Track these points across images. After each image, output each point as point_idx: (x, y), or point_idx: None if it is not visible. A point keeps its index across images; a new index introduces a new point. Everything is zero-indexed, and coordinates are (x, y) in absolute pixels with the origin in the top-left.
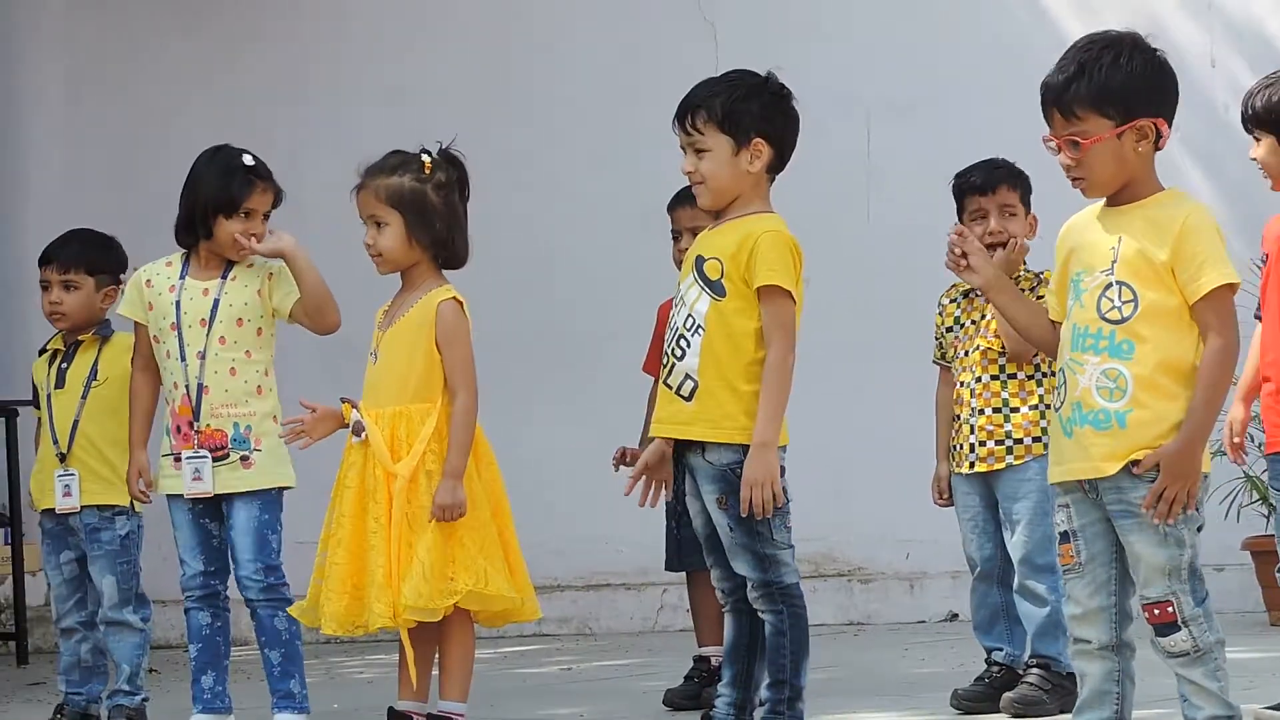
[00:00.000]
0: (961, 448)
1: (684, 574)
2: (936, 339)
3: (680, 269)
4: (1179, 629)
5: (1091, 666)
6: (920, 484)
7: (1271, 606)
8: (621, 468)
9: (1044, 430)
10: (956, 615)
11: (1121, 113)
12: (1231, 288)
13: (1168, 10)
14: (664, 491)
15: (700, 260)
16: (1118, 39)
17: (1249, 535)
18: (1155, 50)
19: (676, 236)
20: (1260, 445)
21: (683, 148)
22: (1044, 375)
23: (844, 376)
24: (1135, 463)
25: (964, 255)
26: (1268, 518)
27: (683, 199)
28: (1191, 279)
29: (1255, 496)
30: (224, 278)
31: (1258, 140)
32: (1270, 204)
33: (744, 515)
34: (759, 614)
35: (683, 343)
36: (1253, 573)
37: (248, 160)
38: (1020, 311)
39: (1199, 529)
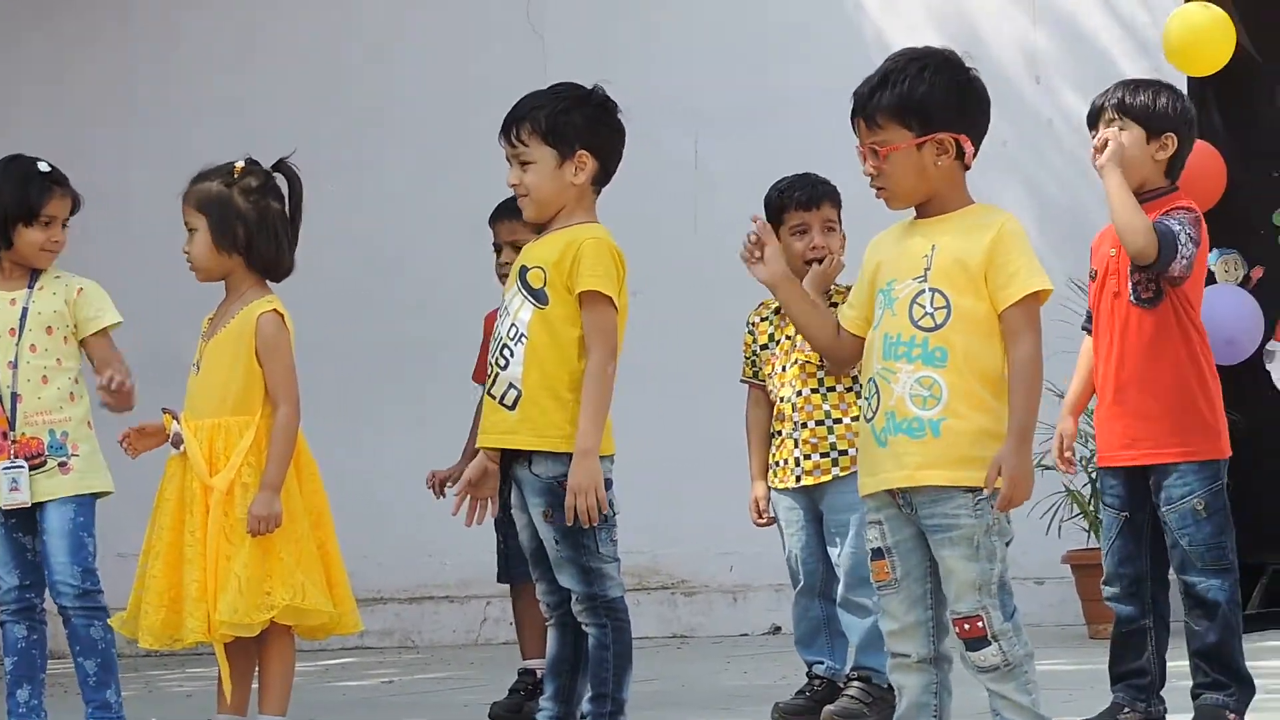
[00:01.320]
0: (786, 463)
1: (508, 586)
2: (747, 358)
3: (502, 282)
4: (989, 644)
5: (909, 679)
6: (743, 495)
7: (1091, 620)
8: (449, 487)
9: None
10: (779, 628)
11: (920, 124)
12: (1042, 295)
13: (991, 28)
14: (490, 508)
15: (524, 270)
16: (928, 54)
17: (1070, 549)
18: (968, 69)
19: (497, 250)
20: (1082, 459)
21: (508, 159)
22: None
23: (670, 388)
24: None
25: (759, 246)
26: (1088, 532)
27: (502, 212)
28: (1004, 285)
29: (1075, 511)
30: (30, 287)
31: (1120, 128)
32: (1090, 219)
33: (570, 524)
34: (583, 627)
35: (506, 352)
36: (1073, 586)
37: (43, 167)
38: (807, 313)
39: (1008, 543)
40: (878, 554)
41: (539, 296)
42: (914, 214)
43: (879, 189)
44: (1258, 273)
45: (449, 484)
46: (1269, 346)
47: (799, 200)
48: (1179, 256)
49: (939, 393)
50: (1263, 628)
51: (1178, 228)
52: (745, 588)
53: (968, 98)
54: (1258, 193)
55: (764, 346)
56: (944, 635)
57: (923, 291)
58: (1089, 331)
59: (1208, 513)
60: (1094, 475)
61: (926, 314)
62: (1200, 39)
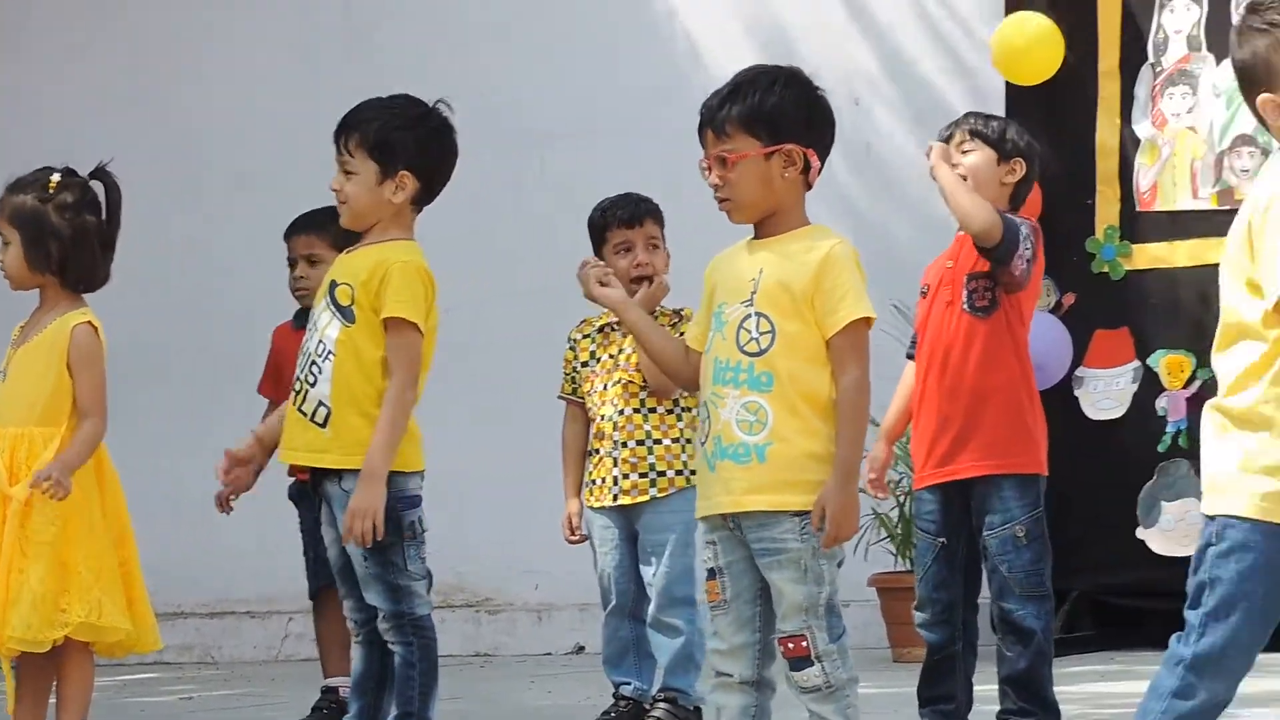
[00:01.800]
0: (603, 481)
1: (310, 602)
2: (567, 374)
3: (295, 296)
4: (812, 664)
5: (730, 699)
6: (550, 515)
7: (896, 643)
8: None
9: (685, 464)
10: (583, 648)
11: (770, 135)
12: (868, 322)
13: (810, 49)
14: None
15: (333, 285)
16: (778, 68)
17: (876, 572)
18: (816, 87)
19: (292, 264)
20: (890, 482)
21: (336, 162)
22: (683, 410)
23: (479, 405)
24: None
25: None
26: (895, 555)
27: (297, 226)
28: (830, 311)
29: (883, 534)
30: None
31: (966, 151)
32: (905, 245)
33: (360, 545)
34: (389, 645)
35: (315, 369)
36: (878, 609)
37: None
38: (653, 336)
39: (839, 564)
40: (710, 574)
41: (346, 314)
42: (751, 233)
43: (723, 200)
44: (1069, 299)
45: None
46: (1078, 373)
47: (622, 218)
48: (1021, 252)
49: (765, 418)
50: (1064, 653)
51: (1022, 225)
52: (550, 607)
53: (816, 113)
54: (1070, 219)
55: (585, 364)
56: (769, 661)
57: (749, 316)
58: (912, 357)
59: (1028, 539)
60: (902, 500)
61: (752, 339)
62: (1031, 47)
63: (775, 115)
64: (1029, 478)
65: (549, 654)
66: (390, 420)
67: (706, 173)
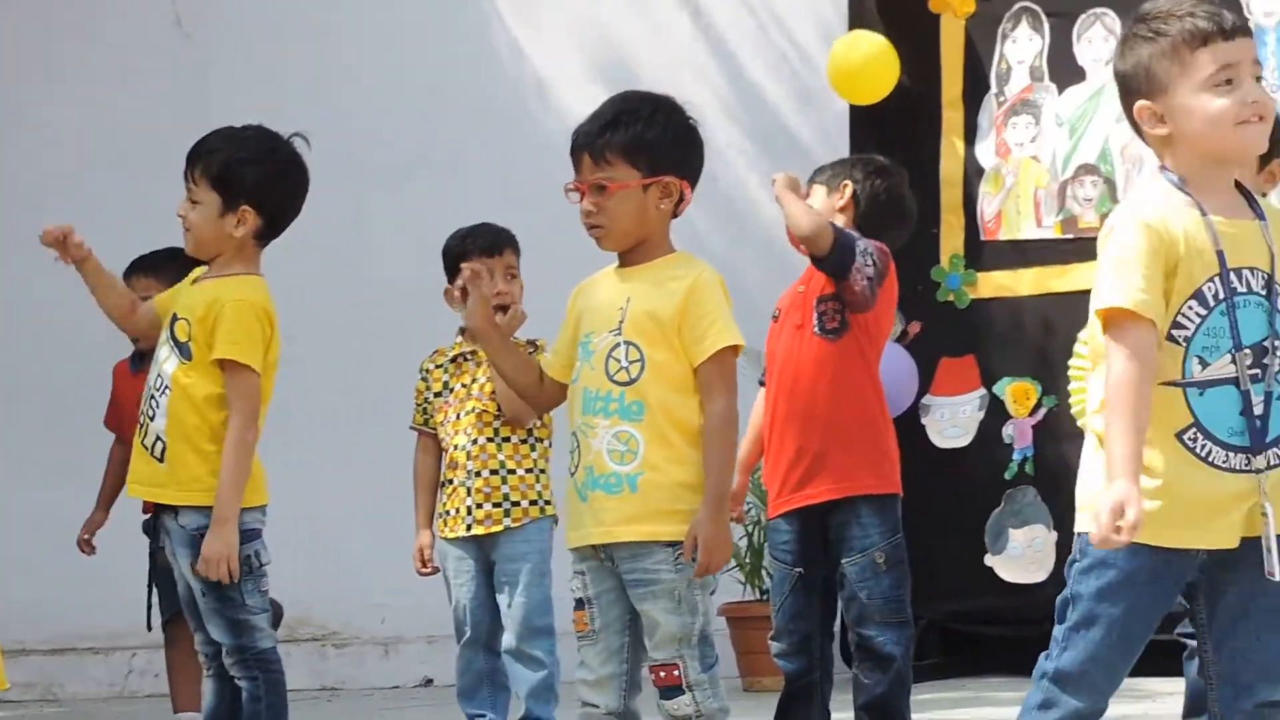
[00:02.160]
0: (457, 511)
1: (161, 637)
2: (418, 404)
3: (130, 336)
4: (683, 693)
5: None
6: (397, 546)
7: (746, 673)
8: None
9: (539, 494)
10: (431, 680)
11: (649, 167)
12: (735, 349)
13: (650, 78)
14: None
15: (174, 319)
16: (656, 97)
17: (726, 601)
18: (690, 118)
19: None
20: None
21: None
22: (537, 440)
23: (325, 437)
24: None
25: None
26: (744, 584)
27: (134, 269)
28: (698, 340)
29: (732, 563)
30: None
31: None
32: (745, 274)
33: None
34: (235, 680)
35: (153, 403)
36: (728, 638)
37: None
38: (509, 360)
39: (712, 592)
40: (579, 604)
41: (184, 350)
42: (617, 261)
43: (595, 227)
44: (915, 327)
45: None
46: (925, 401)
47: (482, 246)
48: (859, 265)
49: (636, 447)
50: (914, 680)
51: (860, 241)
52: (397, 639)
53: (692, 145)
54: (915, 248)
55: (438, 394)
56: (635, 693)
57: (618, 345)
58: (764, 384)
59: (887, 565)
60: (750, 530)
61: (621, 368)
62: (864, 65)
63: (657, 147)
64: (887, 499)
65: (397, 687)
66: (233, 463)
67: (577, 199)
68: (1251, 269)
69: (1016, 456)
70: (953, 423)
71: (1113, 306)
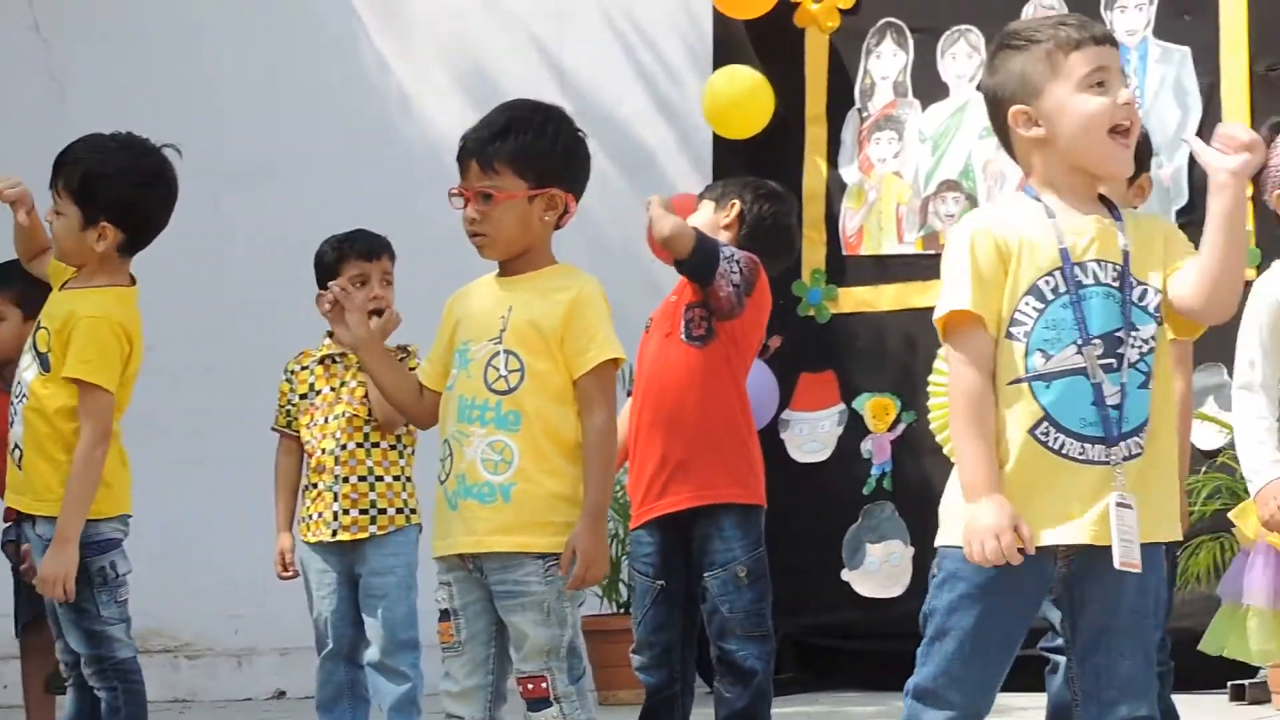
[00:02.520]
0: (321, 516)
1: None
2: (282, 406)
3: None
4: (550, 705)
5: None
6: (251, 557)
7: (602, 686)
8: None
9: (405, 501)
10: (284, 693)
11: (537, 177)
12: (616, 363)
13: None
14: None
15: (38, 327)
16: (548, 108)
17: (583, 614)
18: (579, 131)
19: None
20: None
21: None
22: (405, 446)
23: (180, 444)
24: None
25: (337, 306)
26: (601, 598)
27: None
28: (579, 352)
29: None
30: None
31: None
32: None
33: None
34: (94, 690)
35: (13, 410)
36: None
37: None
38: (388, 373)
39: (580, 604)
40: (444, 615)
41: (44, 361)
42: (497, 269)
43: (478, 235)
44: (775, 342)
45: None
46: (784, 416)
47: (360, 251)
48: (723, 271)
49: (511, 457)
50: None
51: (726, 248)
52: (250, 651)
53: (580, 160)
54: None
55: (303, 396)
56: (501, 704)
57: (497, 354)
58: (630, 394)
59: (750, 579)
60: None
61: (500, 376)
62: (740, 102)
63: (547, 158)
64: (751, 511)
65: (249, 699)
66: (79, 480)
67: (460, 205)
68: (1100, 261)
69: (875, 472)
70: (812, 438)
71: (946, 313)
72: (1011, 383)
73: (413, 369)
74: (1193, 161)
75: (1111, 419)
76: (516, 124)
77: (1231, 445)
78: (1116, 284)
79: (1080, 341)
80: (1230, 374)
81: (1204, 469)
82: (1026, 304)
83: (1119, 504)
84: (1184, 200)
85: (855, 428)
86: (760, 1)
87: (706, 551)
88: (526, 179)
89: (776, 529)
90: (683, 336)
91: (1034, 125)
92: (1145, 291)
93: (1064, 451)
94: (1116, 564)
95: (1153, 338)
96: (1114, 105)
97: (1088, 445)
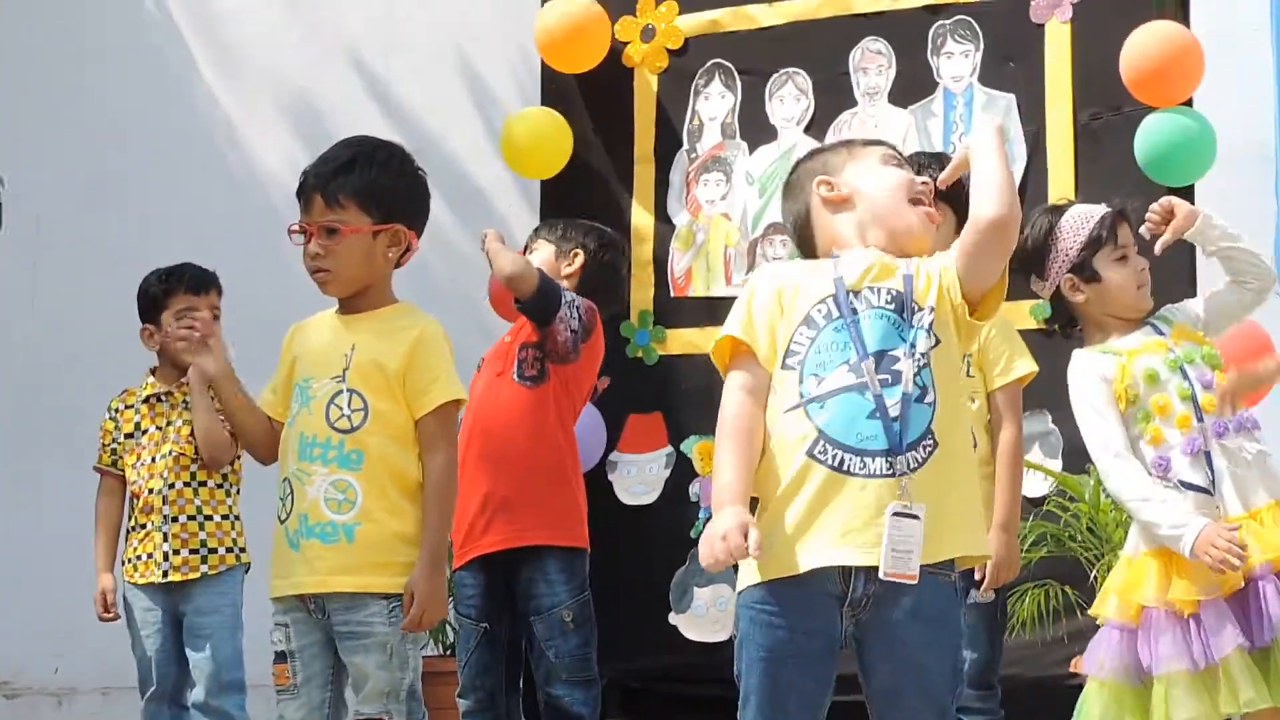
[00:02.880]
0: (150, 556)
1: None
2: (106, 445)
3: None
4: None
5: None
6: (72, 594)
7: None
8: None
9: (234, 540)
10: None
11: (382, 213)
12: (458, 404)
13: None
14: None
15: None
16: (390, 144)
17: None
18: (420, 168)
19: None
20: None
21: None
22: (231, 485)
23: None
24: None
25: (205, 337)
26: (430, 640)
27: None
28: (421, 392)
29: None
30: None
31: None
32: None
33: None
34: None
35: None
36: None
37: None
38: (243, 409)
39: (422, 647)
40: (280, 658)
41: None
42: (336, 305)
43: (321, 270)
44: (603, 383)
45: None
46: (612, 457)
47: (190, 284)
48: (563, 315)
49: (354, 496)
50: None
51: (568, 293)
52: (71, 690)
53: (423, 197)
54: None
55: (129, 435)
56: None
57: (340, 392)
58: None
59: (575, 624)
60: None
61: (343, 415)
62: (536, 145)
63: (392, 194)
64: (575, 553)
65: None
66: None
67: (302, 241)
68: (874, 287)
69: (702, 514)
70: (639, 480)
71: (715, 340)
72: (789, 409)
73: None
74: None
75: (893, 431)
76: (361, 159)
77: (1057, 492)
78: (892, 306)
79: (854, 360)
80: (1054, 420)
81: (1030, 517)
82: (801, 334)
83: (896, 513)
84: None
85: (683, 470)
86: (588, 57)
87: (531, 596)
88: (371, 214)
89: (603, 571)
90: (514, 375)
91: (833, 190)
92: (921, 315)
93: (844, 468)
94: (882, 574)
95: (927, 353)
96: (912, 180)
97: (869, 459)
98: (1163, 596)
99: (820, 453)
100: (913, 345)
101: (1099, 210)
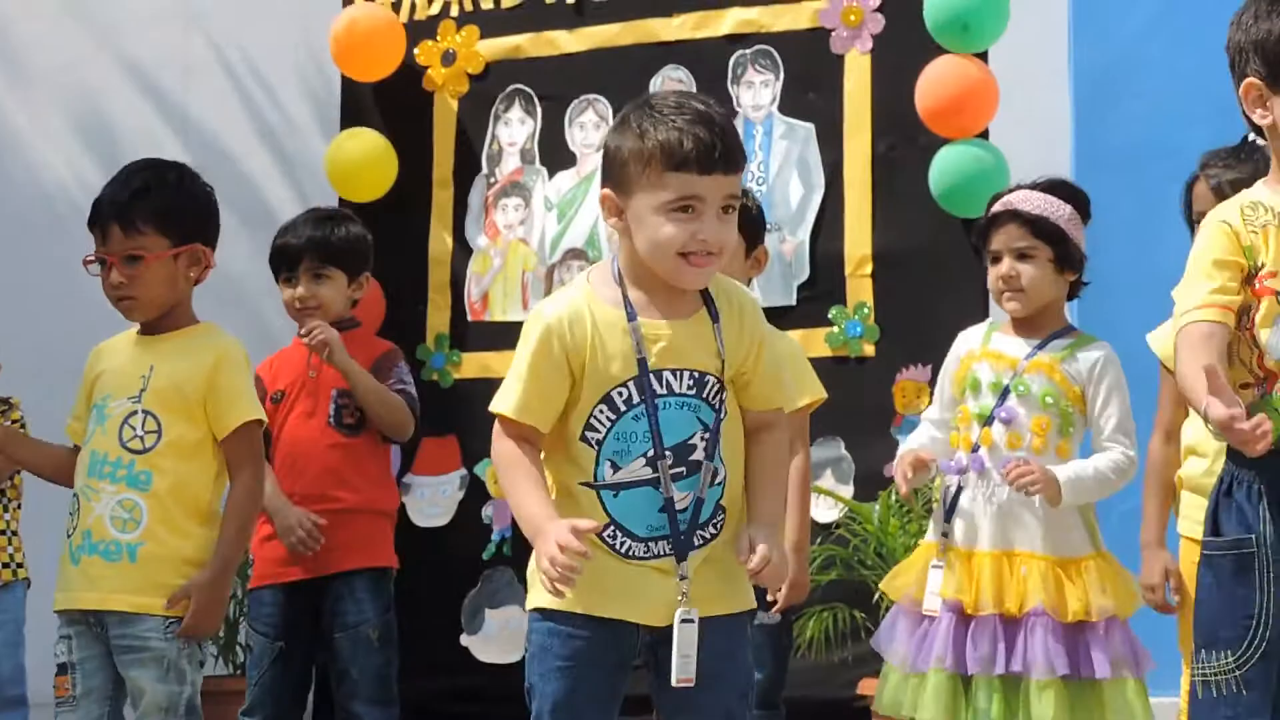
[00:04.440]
0: None
1: None
2: None
3: None
4: None
5: None
6: None
7: None
8: None
9: (11, 556)
10: None
11: (181, 235)
12: (260, 423)
13: (154, 145)
14: None
15: None
16: (178, 165)
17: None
18: (207, 185)
19: None
20: None
21: None
22: (10, 501)
23: None
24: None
25: None
26: (216, 657)
27: None
28: (223, 414)
29: None
30: None
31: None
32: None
33: None
34: None
35: None
36: None
37: None
38: (36, 450)
39: (201, 664)
40: (61, 669)
41: None
42: (137, 326)
43: (126, 298)
44: None
45: None
46: (406, 480)
47: None
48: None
49: (140, 516)
50: None
51: (400, 368)
52: None
53: (214, 213)
54: (403, 325)
55: None
56: None
57: (135, 412)
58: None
59: (380, 642)
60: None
61: (136, 436)
62: (362, 168)
63: (185, 214)
64: (382, 572)
65: None
66: None
67: (102, 272)
68: (676, 370)
69: (495, 537)
70: (433, 502)
71: (497, 414)
72: (583, 484)
73: (14, 421)
74: (815, 237)
75: (681, 524)
76: (155, 182)
77: (848, 517)
78: (693, 392)
79: (651, 454)
80: (846, 447)
81: (819, 540)
82: (600, 412)
83: (684, 620)
84: (805, 275)
85: (477, 492)
86: (382, 65)
87: (338, 613)
88: (170, 237)
89: (397, 593)
90: (330, 421)
91: (618, 217)
92: (720, 393)
93: (630, 554)
94: (674, 681)
95: (719, 429)
96: (689, 238)
97: (653, 544)
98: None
99: (609, 537)
100: (706, 428)
101: (1012, 196)
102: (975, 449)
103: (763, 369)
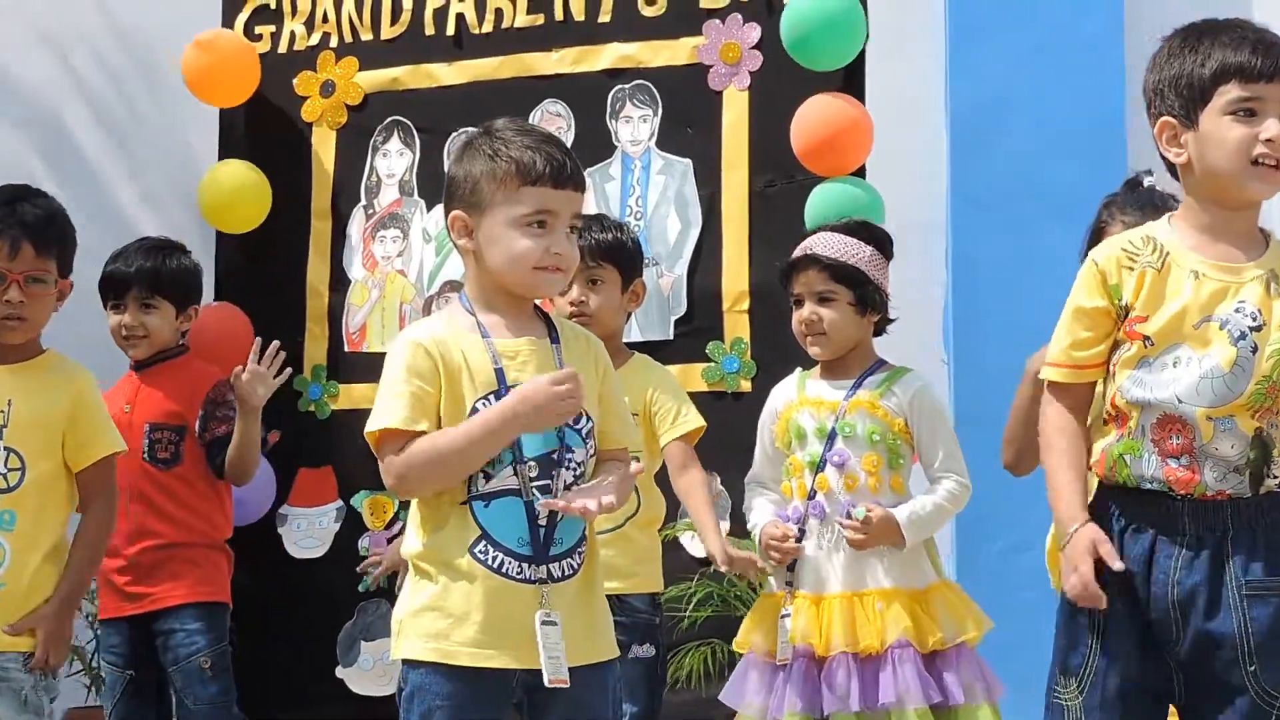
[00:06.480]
0: None
1: None
2: None
3: None
4: None
5: None
6: None
7: None
8: None
9: None
10: None
11: (67, 267)
12: (116, 454)
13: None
14: None
15: None
16: (36, 191)
17: (71, 706)
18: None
19: None
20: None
21: None
22: None
23: None
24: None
25: None
26: (89, 688)
27: None
28: (82, 446)
29: (77, 666)
30: None
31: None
32: None
33: None
34: None
35: None
36: None
37: None
38: None
39: (53, 699)
40: None
41: None
42: None
43: (20, 319)
44: (274, 437)
45: None
46: (281, 510)
47: None
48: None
49: (2, 556)
50: None
51: (229, 405)
52: None
53: (74, 240)
54: (295, 356)
55: None
56: None
57: None
58: None
59: (214, 672)
60: (97, 630)
61: (0, 475)
62: (235, 202)
63: (70, 247)
64: (215, 606)
65: None
66: None
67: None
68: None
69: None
70: (309, 533)
71: (379, 429)
72: (460, 502)
73: None
74: (692, 272)
75: (539, 539)
76: (58, 214)
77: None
78: None
79: (515, 463)
80: (723, 483)
81: (697, 576)
82: None
83: (544, 622)
84: (683, 310)
85: (353, 524)
86: (235, 93)
87: (169, 647)
88: (62, 267)
89: (272, 624)
90: (145, 458)
91: (469, 238)
92: (580, 417)
93: (502, 570)
94: (546, 682)
95: (584, 461)
96: (544, 252)
97: (524, 564)
98: (791, 639)
99: (481, 552)
100: (569, 449)
101: (812, 240)
102: (811, 495)
103: (612, 406)
